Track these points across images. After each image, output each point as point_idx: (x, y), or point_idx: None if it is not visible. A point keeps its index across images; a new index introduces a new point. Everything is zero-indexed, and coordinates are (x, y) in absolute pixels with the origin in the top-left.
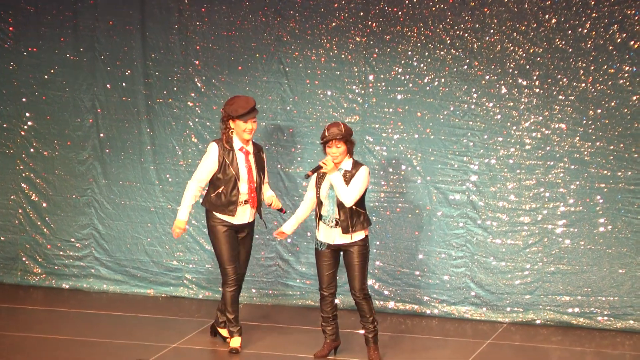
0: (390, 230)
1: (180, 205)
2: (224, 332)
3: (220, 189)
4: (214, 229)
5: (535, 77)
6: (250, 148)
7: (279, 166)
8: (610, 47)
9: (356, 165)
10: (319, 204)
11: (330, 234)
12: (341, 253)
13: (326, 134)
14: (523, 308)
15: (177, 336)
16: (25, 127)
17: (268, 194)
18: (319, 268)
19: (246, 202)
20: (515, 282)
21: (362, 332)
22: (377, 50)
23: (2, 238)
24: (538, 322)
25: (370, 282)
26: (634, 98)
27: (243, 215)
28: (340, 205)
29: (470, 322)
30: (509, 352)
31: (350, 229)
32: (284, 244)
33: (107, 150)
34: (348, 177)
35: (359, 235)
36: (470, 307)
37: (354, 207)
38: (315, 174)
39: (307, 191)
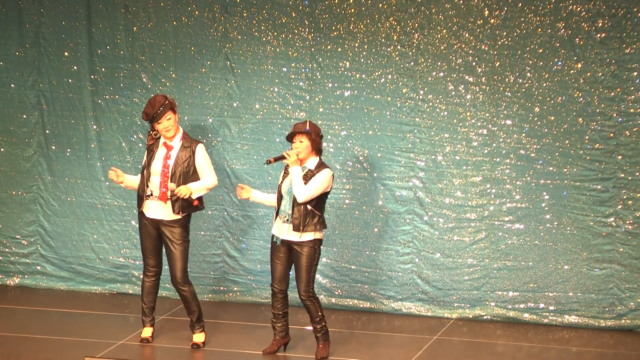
0: (337, 227)
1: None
2: (196, 336)
3: (140, 180)
4: (138, 222)
5: (481, 74)
6: (175, 143)
7: (225, 162)
8: (557, 44)
9: (321, 166)
10: (280, 198)
11: (282, 229)
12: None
13: (292, 129)
14: (470, 304)
15: (125, 333)
16: None
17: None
18: (272, 263)
19: (159, 197)
20: (462, 278)
21: (311, 328)
22: (324, 46)
23: None
24: (485, 317)
25: (318, 278)
26: (580, 95)
27: (157, 209)
28: (295, 202)
29: (417, 318)
30: (457, 348)
31: (301, 227)
32: (230, 240)
33: (53, 147)
34: (309, 176)
35: (308, 236)
36: (418, 303)
37: (309, 207)
38: (283, 171)
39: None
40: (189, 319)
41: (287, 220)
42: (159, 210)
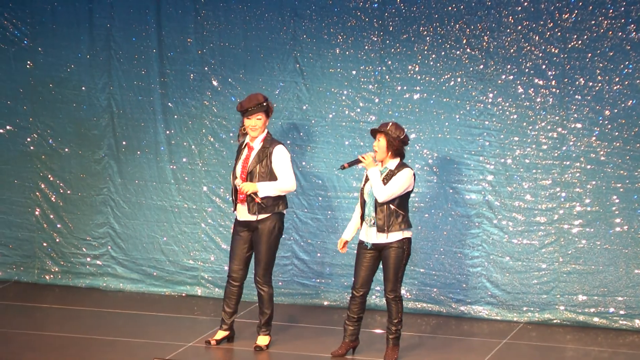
0: None
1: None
2: (260, 339)
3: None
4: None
5: (551, 77)
6: (256, 144)
7: (294, 165)
8: (627, 47)
9: (401, 166)
10: (363, 202)
11: (370, 233)
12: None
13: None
14: (539, 308)
15: (194, 335)
16: (42, 125)
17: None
18: (357, 267)
19: (240, 200)
20: (531, 282)
21: (380, 331)
22: (393, 49)
23: (19, 236)
24: (554, 321)
25: None
26: None
27: (243, 212)
28: (378, 204)
29: (486, 322)
30: (526, 352)
31: (386, 228)
32: (299, 243)
33: (123, 149)
34: (390, 176)
35: (395, 236)
36: (487, 306)
37: (392, 207)
38: (365, 176)
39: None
40: (259, 321)
41: (373, 223)
42: (242, 211)
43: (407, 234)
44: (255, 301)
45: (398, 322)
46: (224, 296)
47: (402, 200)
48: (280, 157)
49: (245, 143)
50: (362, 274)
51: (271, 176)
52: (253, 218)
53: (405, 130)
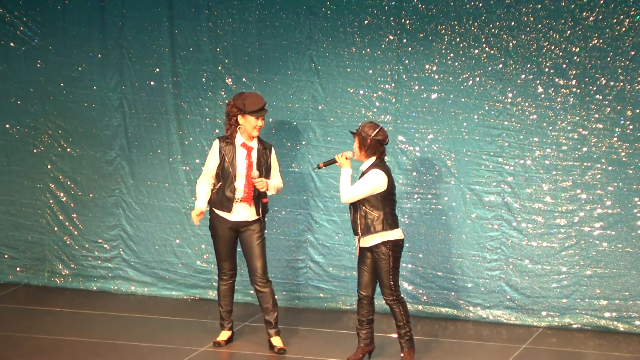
0: (424, 233)
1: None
2: (274, 340)
3: (219, 185)
4: (213, 227)
5: (572, 77)
6: (254, 144)
7: (310, 166)
8: None
9: (371, 167)
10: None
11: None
12: None
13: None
14: (559, 312)
15: (206, 339)
16: (53, 125)
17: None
18: (358, 269)
19: (243, 199)
20: (551, 286)
21: (395, 336)
22: (410, 48)
23: (29, 238)
24: (575, 326)
25: (404, 285)
26: None
27: (240, 212)
28: (352, 208)
29: (505, 326)
30: (545, 357)
31: (360, 231)
32: (315, 245)
33: (135, 150)
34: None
35: (375, 239)
36: (506, 310)
37: (364, 208)
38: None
39: None
40: (268, 321)
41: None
42: (242, 212)
43: (388, 235)
44: None
45: (404, 324)
46: (221, 296)
47: (377, 202)
48: (275, 157)
49: (239, 144)
50: (363, 274)
51: (267, 175)
52: (253, 218)
53: (381, 127)
